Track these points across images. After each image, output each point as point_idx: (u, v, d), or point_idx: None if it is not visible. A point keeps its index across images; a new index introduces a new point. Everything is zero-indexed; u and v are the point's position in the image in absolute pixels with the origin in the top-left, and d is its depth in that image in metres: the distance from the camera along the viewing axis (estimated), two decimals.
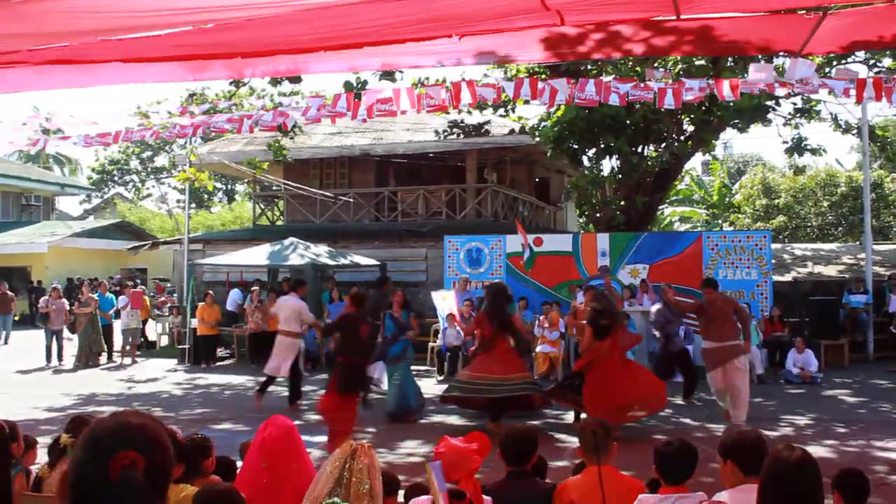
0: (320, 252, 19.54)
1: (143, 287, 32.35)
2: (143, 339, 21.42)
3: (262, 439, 4.07)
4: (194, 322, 19.09)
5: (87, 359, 19.00)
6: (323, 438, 9.80)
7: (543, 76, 16.96)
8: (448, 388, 11.80)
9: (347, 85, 16.90)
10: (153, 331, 22.94)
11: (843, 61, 17.45)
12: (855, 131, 20.08)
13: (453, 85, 8.52)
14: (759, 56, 15.13)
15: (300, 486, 3.61)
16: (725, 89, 8.29)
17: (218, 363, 19.04)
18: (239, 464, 4.68)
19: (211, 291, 19.68)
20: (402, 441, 10.46)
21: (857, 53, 16.94)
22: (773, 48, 6.99)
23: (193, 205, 44.00)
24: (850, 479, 4.24)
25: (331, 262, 19.48)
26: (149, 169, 55.35)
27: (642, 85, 8.37)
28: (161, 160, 53.99)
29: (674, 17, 5.14)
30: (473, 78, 17.30)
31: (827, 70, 16.94)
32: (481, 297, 14.60)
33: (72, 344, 19.78)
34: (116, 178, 56.77)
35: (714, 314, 11.26)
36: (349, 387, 10.08)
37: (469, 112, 21.08)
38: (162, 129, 10.39)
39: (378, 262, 20.51)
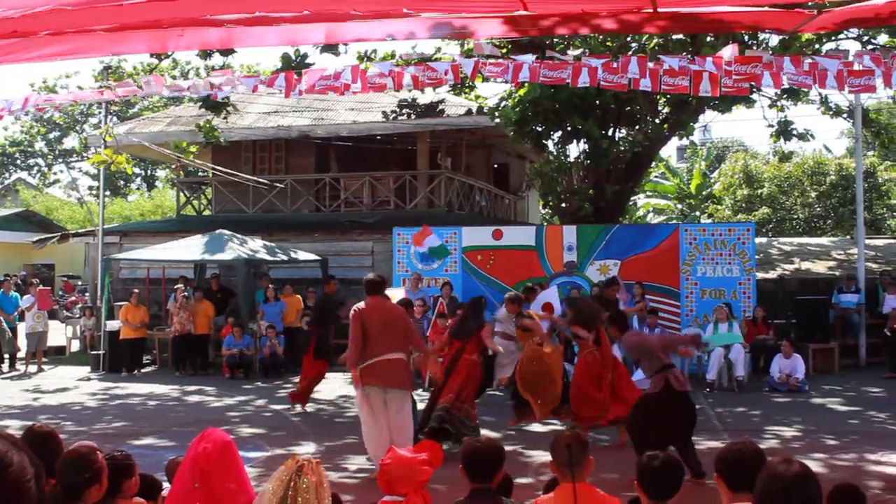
0: (257, 247, 19.41)
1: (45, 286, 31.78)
2: None
3: (196, 455, 4.02)
4: (110, 324, 18.84)
5: None
6: (261, 454, 9.78)
7: (504, 50, 16.97)
8: None
9: (285, 58, 16.76)
10: (62, 335, 22.61)
11: (834, 38, 17.70)
12: (846, 115, 20.36)
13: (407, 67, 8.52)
14: (745, 34, 15.36)
15: None
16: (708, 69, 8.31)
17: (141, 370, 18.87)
18: (167, 485, 4.63)
19: (136, 290, 19.46)
20: (348, 457, 10.43)
21: (849, 31, 17.19)
22: (762, 26, 7.09)
23: (108, 192, 43.36)
24: (846, 495, 4.30)
25: (267, 258, 19.36)
26: (57, 151, 54.25)
27: (615, 65, 8.37)
28: (71, 141, 53.08)
29: (650, 10, 5.20)
30: (425, 52, 17.28)
31: (816, 47, 17.17)
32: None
33: None
34: (19, 162, 55.62)
35: None
36: None
37: (421, 91, 21.04)
38: (72, 106, 10.23)
39: (318, 257, 20.41)
